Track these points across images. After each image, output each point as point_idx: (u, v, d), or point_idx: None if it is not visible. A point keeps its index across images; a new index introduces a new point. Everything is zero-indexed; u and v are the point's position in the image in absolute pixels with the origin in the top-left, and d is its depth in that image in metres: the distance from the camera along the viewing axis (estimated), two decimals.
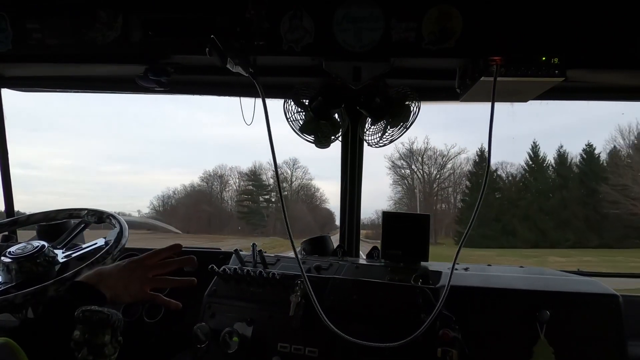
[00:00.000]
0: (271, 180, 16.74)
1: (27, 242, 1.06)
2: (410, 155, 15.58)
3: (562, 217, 14.32)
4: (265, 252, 1.24)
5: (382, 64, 1.19)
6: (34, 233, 1.37)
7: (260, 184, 17.22)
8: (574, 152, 15.25)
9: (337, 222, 1.68)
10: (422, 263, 1.20)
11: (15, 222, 1.25)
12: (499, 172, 15.28)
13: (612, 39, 1.08)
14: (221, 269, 1.14)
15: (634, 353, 0.98)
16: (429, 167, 15.88)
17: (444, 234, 14.74)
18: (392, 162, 15.32)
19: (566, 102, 1.53)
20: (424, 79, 1.34)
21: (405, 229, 1.23)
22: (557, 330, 0.92)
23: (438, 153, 15.78)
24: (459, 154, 15.65)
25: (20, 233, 1.55)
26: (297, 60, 1.24)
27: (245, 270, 1.11)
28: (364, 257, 1.42)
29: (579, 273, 1.36)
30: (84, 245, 1.15)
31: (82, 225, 1.25)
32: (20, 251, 1.02)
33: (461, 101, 1.29)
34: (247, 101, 1.47)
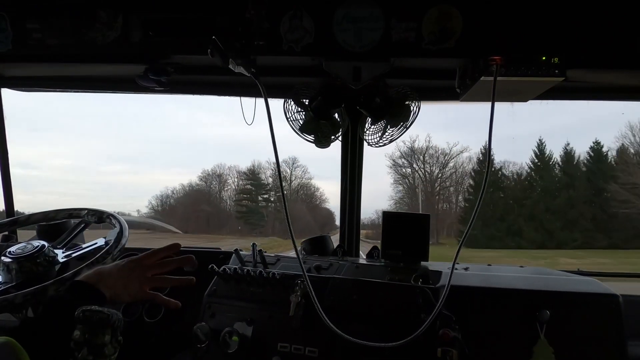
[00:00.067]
0: (270, 180, 16.72)
1: (27, 242, 1.06)
2: (412, 153, 15.43)
3: (569, 216, 14.00)
4: (265, 252, 1.24)
5: (382, 64, 1.19)
6: (34, 233, 1.37)
7: (259, 183, 17.14)
8: (578, 151, 15.02)
9: (337, 222, 1.68)
10: (422, 263, 1.20)
11: (15, 222, 1.25)
12: (503, 171, 15.08)
13: (612, 39, 1.08)
14: (221, 268, 1.14)
15: (634, 353, 0.98)
16: (430, 166, 15.74)
17: (445, 234, 14.61)
18: (393, 160, 15.22)
19: (566, 102, 1.53)
20: (424, 79, 1.34)
21: (405, 229, 1.23)
22: (557, 330, 0.93)
23: (440, 151, 15.62)
24: (462, 152, 15.46)
25: (20, 233, 1.55)
26: (297, 60, 1.24)
27: (245, 270, 1.11)
28: (364, 257, 1.42)
29: (579, 273, 1.36)
30: (84, 245, 1.15)
31: (82, 225, 1.25)
32: (20, 251, 1.02)
33: (461, 101, 1.29)
34: (247, 101, 1.47)
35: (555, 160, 15.31)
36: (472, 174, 15.16)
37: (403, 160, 15.47)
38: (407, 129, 1.30)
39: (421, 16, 1.12)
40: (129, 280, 0.85)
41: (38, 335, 0.70)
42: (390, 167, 15.23)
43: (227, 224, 16.79)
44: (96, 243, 1.13)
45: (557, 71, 1.08)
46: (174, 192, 17.22)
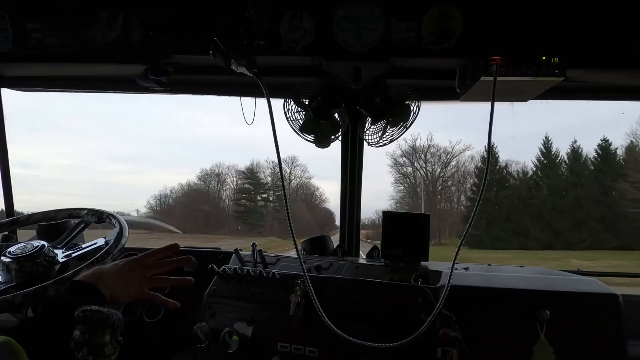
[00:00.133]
0: (269, 179, 16.67)
1: (27, 242, 1.06)
2: (413, 152, 15.18)
3: (577, 216, 13.64)
4: (265, 252, 1.24)
5: (382, 64, 1.19)
6: (34, 233, 1.37)
7: (257, 183, 17.06)
8: (583, 150, 14.71)
9: (337, 222, 1.68)
10: (422, 263, 1.20)
11: (15, 222, 1.25)
12: (508, 169, 14.80)
13: (612, 39, 1.08)
14: (221, 268, 1.14)
15: (634, 353, 0.98)
16: (432, 165, 15.49)
17: (447, 234, 14.31)
18: (394, 159, 15.01)
19: (566, 102, 1.53)
20: (424, 78, 1.34)
21: (405, 229, 1.23)
22: (557, 330, 0.93)
23: (442, 150, 15.36)
24: (464, 150, 15.19)
25: (20, 233, 1.55)
26: (297, 60, 1.24)
27: (245, 270, 1.11)
28: (364, 257, 1.42)
29: (579, 273, 1.37)
30: (83, 245, 1.15)
31: (82, 225, 1.25)
32: (20, 251, 1.02)
33: (461, 101, 1.29)
34: (248, 101, 1.47)
35: (562, 158, 14.99)
36: (476, 171, 14.85)
37: (404, 159, 15.30)
38: (407, 129, 1.30)
39: (421, 16, 1.12)
40: (128, 280, 0.85)
41: (38, 335, 0.70)
42: (391, 167, 15.05)
43: (226, 223, 16.76)
44: (96, 243, 1.13)
45: (557, 71, 1.08)
46: (173, 191, 17.21)
